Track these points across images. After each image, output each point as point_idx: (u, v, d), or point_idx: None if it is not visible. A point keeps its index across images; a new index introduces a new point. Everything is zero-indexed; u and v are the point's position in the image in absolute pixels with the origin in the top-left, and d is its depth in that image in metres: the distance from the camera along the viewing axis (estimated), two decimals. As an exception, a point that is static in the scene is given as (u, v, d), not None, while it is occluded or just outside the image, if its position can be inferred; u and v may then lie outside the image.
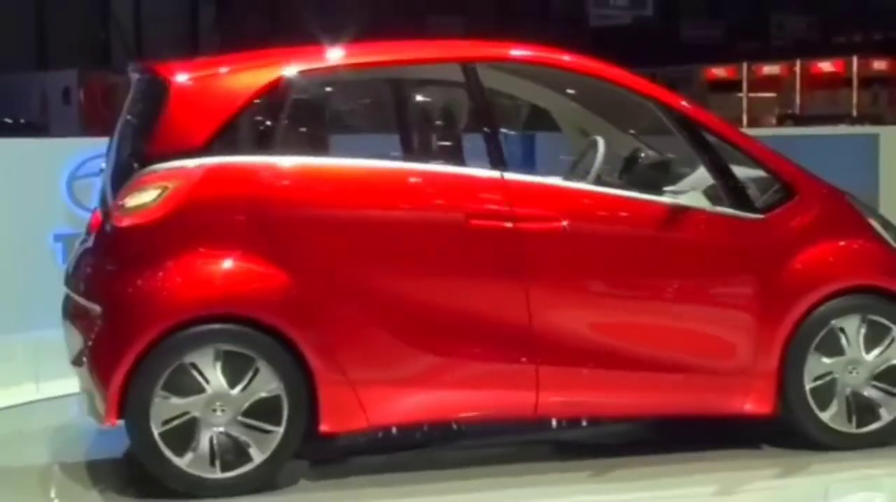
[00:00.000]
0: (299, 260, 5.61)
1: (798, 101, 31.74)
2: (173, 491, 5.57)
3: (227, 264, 5.57)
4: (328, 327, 5.60)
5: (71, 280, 6.06)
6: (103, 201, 5.96)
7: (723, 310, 6.03)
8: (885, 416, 6.17)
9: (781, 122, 28.30)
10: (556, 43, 6.52)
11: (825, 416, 6.11)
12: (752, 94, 32.40)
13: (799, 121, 26.98)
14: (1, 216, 9.77)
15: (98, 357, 5.57)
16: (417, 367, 5.72)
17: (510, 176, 5.88)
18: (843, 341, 6.12)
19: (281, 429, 5.57)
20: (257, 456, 5.55)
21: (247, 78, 5.84)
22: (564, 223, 5.82)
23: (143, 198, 5.59)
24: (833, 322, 6.10)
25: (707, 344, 6.03)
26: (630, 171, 6.13)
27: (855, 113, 28.84)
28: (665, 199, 6.01)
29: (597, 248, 5.91)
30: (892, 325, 6.16)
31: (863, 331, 6.13)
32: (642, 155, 6.17)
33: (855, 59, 31.03)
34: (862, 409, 6.14)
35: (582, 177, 6.18)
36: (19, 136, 17.52)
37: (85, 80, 28.17)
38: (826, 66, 31.92)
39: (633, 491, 5.81)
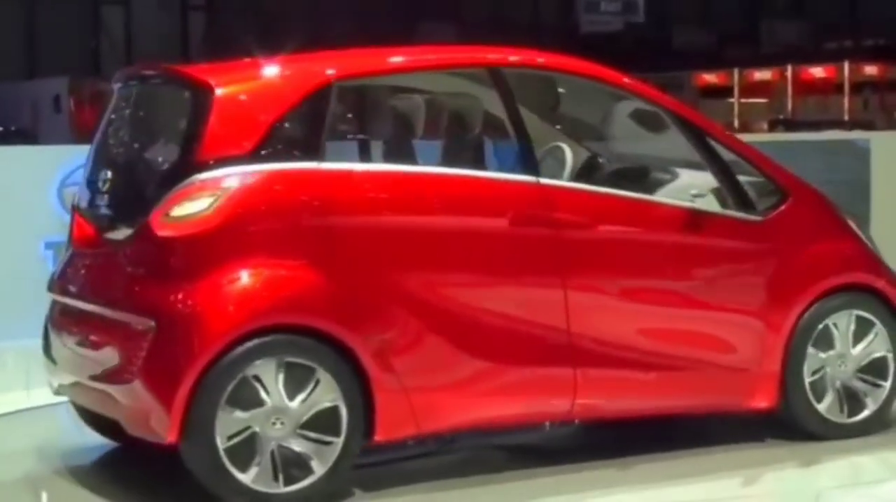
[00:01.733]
0: (353, 266, 5.53)
1: (790, 106, 31.80)
2: (176, 493, 5.58)
3: (286, 273, 5.43)
4: (383, 334, 5.53)
5: (81, 290, 5.91)
6: (98, 207, 5.94)
7: (735, 310, 6.25)
8: (871, 406, 6.50)
9: (773, 127, 28.34)
10: (547, 49, 6.52)
11: (822, 408, 6.39)
12: (743, 100, 32.46)
13: (790, 126, 27.00)
14: (-9, 224, 9.73)
15: (156, 373, 5.32)
16: (466, 372, 5.72)
17: (545, 181, 5.95)
18: (836, 336, 6.41)
19: (340, 440, 5.46)
20: (318, 468, 5.43)
21: (291, 83, 5.72)
22: (599, 228, 5.97)
23: (195, 206, 5.41)
24: (828, 319, 6.39)
25: (721, 343, 6.24)
26: (639, 178, 6.38)
27: (847, 118, 28.89)
28: (685, 204, 6.19)
29: (627, 252, 6.07)
30: (875, 320, 6.48)
31: (851, 326, 6.45)
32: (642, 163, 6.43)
33: (846, 65, 31.10)
34: (850, 400, 6.45)
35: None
36: (10, 144, 17.55)
37: (75, 88, 28.17)
38: (817, 71, 32.00)
39: (663, 487, 5.86)
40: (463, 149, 6.11)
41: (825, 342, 6.39)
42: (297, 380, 5.38)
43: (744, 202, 6.30)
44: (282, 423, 5.36)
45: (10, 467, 6.40)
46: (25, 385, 8.47)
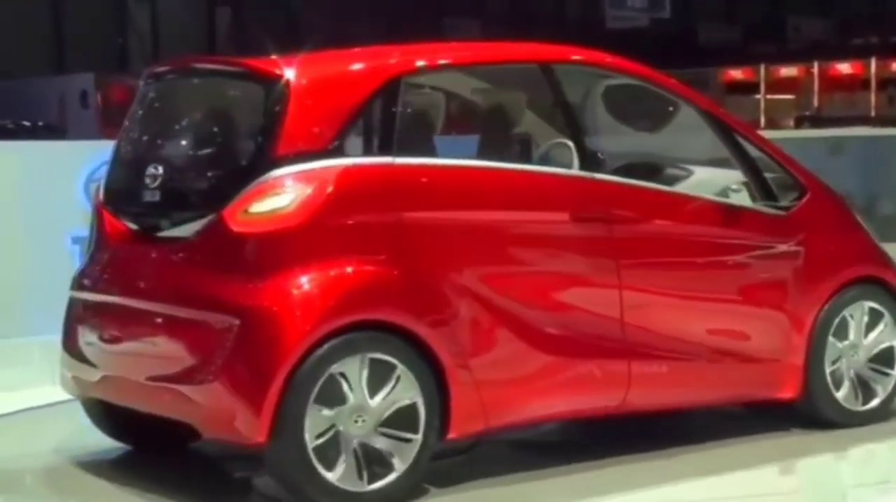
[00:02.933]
0: (427, 261, 5.51)
1: (816, 102, 31.68)
2: (194, 491, 5.56)
3: (368, 268, 5.37)
4: (457, 330, 5.51)
5: (129, 287, 5.73)
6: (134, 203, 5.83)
7: (767, 304, 6.42)
8: (881, 394, 6.70)
9: (799, 124, 28.24)
10: (572, 45, 6.53)
11: (840, 397, 6.58)
12: (769, 96, 32.36)
13: (817, 122, 26.89)
14: (19, 218, 9.79)
15: (242, 372, 5.21)
16: (532, 367, 5.74)
17: (599, 176, 6.01)
18: (851, 327, 6.62)
19: (419, 437, 5.42)
20: (399, 465, 5.39)
21: (363, 76, 5.66)
22: (647, 223, 6.08)
23: (277, 202, 5.31)
24: (845, 310, 6.59)
25: (757, 335, 6.39)
26: (668, 174, 6.48)
27: (874, 114, 28.77)
28: (724, 200, 6.33)
29: (672, 247, 6.18)
30: (885, 311, 6.71)
31: (865, 318, 6.66)
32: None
33: (873, 61, 30.96)
34: (863, 389, 6.66)
35: None
36: (38, 139, 17.63)
37: (102, 84, 28.28)
38: (844, 67, 31.87)
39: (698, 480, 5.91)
40: (516, 144, 6.17)
41: (842, 333, 6.59)
42: (378, 377, 5.34)
43: (770, 197, 6.45)
44: (363, 421, 5.31)
45: (38, 461, 6.43)
46: (52, 380, 8.51)
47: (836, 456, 6.43)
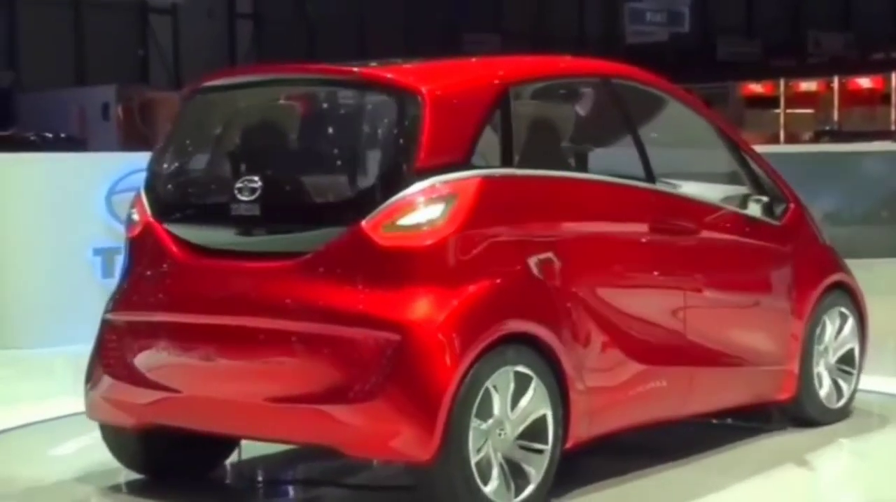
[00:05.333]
0: (551, 272, 5.50)
1: (836, 117, 31.63)
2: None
3: (511, 281, 5.34)
4: (574, 339, 5.53)
5: (231, 305, 5.37)
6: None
7: (776, 310, 6.70)
8: (847, 392, 7.08)
9: (819, 138, 28.20)
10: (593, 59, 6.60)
11: (822, 396, 6.92)
12: (789, 111, 32.32)
13: (836, 137, 26.86)
14: (41, 230, 9.85)
15: (408, 390, 5.05)
16: (627, 375, 5.83)
17: (661, 187, 6.20)
18: (828, 332, 6.97)
19: (548, 448, 5.39)
20: (535, 477, 5.35)
21: (483, 87, 5.59)
22: (699, 234, 6.31)
23: (426, 215, 5.18)
24: (825, 316, 6.93)
25: (768, 339, 6.65)
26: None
27: (894, 128, 28.71)
28: (744, 212, 6.60)
29: (716, 255, 6.43)
30: (850, 315, 7.08)
31: (837, 321, 7.04)
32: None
33: (894, 76, 30.90)
34: (835, 388, 7.01)
35: None
36: (59, 151, 17.72)
37: (123, 96, 28.39)
38: (864, 82, 31.82)
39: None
40: (574, 156, 6.19)
41: (822, 336, 6.93)
42: (517, 390, 5.31)
43: (769, 210, 6.72)
44: (504, 434, 5.27)
45: (60, 472, 6.44)
46: (75, 390, 8.55)
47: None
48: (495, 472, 5.23)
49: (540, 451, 5.37)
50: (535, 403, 5.35)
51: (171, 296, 5.59)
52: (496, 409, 5.23)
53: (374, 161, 5.40)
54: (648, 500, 5.81)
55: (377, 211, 5.18)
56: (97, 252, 9.96)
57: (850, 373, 7.10)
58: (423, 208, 5.19)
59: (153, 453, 5.89)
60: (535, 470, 5.36)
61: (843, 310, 7.07)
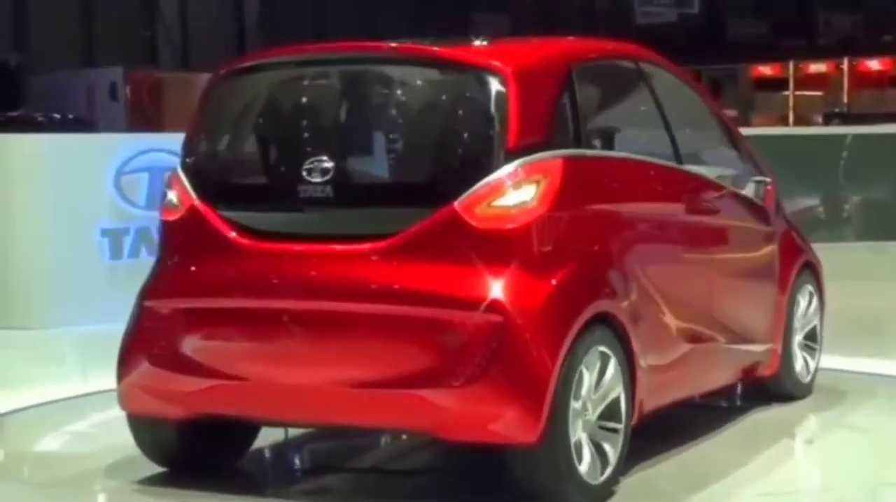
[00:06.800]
0: (623, 253, 5.57)
1: (845, 99, 31.53)
2: (222, 483, 5.56)
3: (597, 261, 5.38)
4: (639, 319, 5.55)
5: (307, 288, 5.20)
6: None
7: (770, 287, 6.89)
8: (812, 367, 7.30)
9: (828, 120, 28.12)
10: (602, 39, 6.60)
11: (798, 371, 7.14)
12: (798, 93, 32.21)
13: (846, 119, 26.78)
14: (49, 211, 9.86)
15: (514, 372, 4.98)
16: (676, 353, 5.92)
17: (688, 168, 6.30)
18: (800, 309, 7.17)
19: (622, 427, 5.40)
20: (612, 456, 5.35)
21: (557, 67, 5.55)
22: (718, 213, 6.46)
23: (521, 196, 5.13)
24: (798, 295, 7.13)
25: (764, 317, 6.80)
26: None
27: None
28: (743, 192, 6.74)
29: (730, 236, 6.59)
30: (815, 293, 7.32)
31: (807, 299, 7.25)
32: None
33: (904, 58, 30.79)
34: (804, 363, 7.24)
35: None
36: (67, 132, 17.72)
37: (131, 77, 28.36)
38: (874, 64, 31.71)
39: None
40: (649, 138, 6.27)
41: (796, 314, 7.13)
42: (599, 370, 5.32)
43: (756, 190, 6.87)
44: (588, 414, 5.25)
45: (69, 453, 6.46)
46: (83, 371, 8.60)
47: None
48: (586, 452, 5.23)
49: (615, 430, 5.37)
50: (613, 382, 5.35)
51: (231, 281, 5.36)
52: (584, 389, 5.22)
53: (459, 142, 5.33)
54: (679, 480, 5.79)
55: (470, 192, 5.10)
56: (105, 233, 9.97)
57: (814, 349, 7.31)
58: (517, 189, 5.13)
59: (184, 445, 5.69)
60: (613, 450, 5.36)
61: (811, 288, 7.28)
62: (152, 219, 10.13)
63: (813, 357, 7.31)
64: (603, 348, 5.30)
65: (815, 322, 7.35)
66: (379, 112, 5.62)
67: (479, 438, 5.11)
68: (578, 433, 5.18)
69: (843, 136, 16.34)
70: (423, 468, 6.14)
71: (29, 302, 9.82)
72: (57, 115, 22.89)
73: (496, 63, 5.31)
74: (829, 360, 7.61)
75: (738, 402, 7.15)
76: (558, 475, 5.11)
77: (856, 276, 12.07)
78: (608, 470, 5.32)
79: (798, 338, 7.17)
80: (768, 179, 6.94)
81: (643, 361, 5.53)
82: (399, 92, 5.62)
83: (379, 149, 5.53)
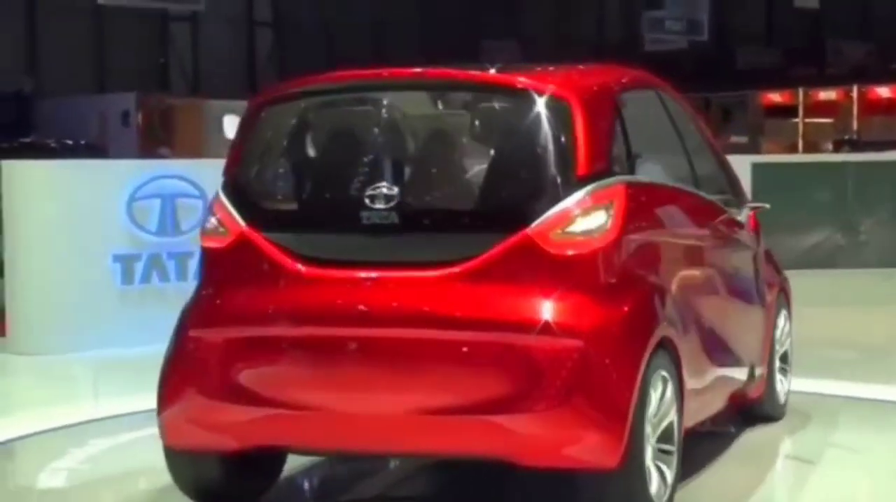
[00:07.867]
0: (674, 279, 5.65)
1: (855, 126, 31.57)
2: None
3: (659, 286, 5.45)
4: (687, 345, 5.59)
5: (375, 315, 5.10)
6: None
7: (760, 311, 6.97)
8: (786, 387, 7.41)
9: (838, 147, 28.14)
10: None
11: (780, 393, 7.29)
12: (808, 120, 32.26)
13: (856, 146, 26.81)
14: (61, 236, 9.89)
15: (595, 397, 4.95)
16: (707, 377, 5.99)
17: (705, 194, 6.43)
18: (779, 331, 7.29)
19: (675, 448, 5.41)
20: (669, 478, 5.37)
21: (610, 95, 5.62)
22: (721, 236, 6.56)
23: (594, 222, 5.15)
24: (777, 317, 7.25)
25: (756, 340, 6.87)
26: None
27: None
28: (737, 217, 6.81)
29: (734, 260, 6.68)
30: (787, 316, 7.45)
31: (783, 322, 7.38)
32: None
33: (913, 85, 30.82)
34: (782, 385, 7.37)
35: None
36: (80, 158, 17.80)
37: (143, 103, 28.52)
38: (884, 91, 31.76)
39: None
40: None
41: (776, 337, 7.21)
42: (659, 393, 5.33)
43: (739, 208, 6.94)
44: (652, 437, 5.24)
45: (78, 477, 6.46)
46: (94, 396, 8.61)
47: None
48: (654, 475, 5.25)
49: (670, 452, 5.38)
50: (669, 405, 5.37)
51: (292, 308, 5.24)
52: (650, 413, 5.20)
53: (529, 168, 5.28)
54: (717, 497, 5.89)
55: (544, 218, 5.08)
56: (117, 258, 10.00)
57: (787, 371, 7.44)
58: (588, 215, 5.14)
59: (224, 479, 5.55)
60: (669, 471, 5.36)
61: (785, 311, 7.43)
62: (163, 244, 10.27)
63: (786, 378, 7.42)
64: (664, 372, 5.33)
65: (787, 345, 7.47)
66: (441, 138, 5.62)
67: (556, 464, 5.03)
68: (649, 456, 5.18)
69: (852, 163, 16.38)
70: (425, 495, 6.15)
71: (40, 327, 9.84)
72: (69, 141, 23.01)
73: (562, 90, 5.32)
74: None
75: (732, 427, 7.04)
76: (632, 498, 5.11)
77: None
78: (668, 491, 5.36)
79: (777, 360, 7.25)
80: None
81: (689, 385, 5.60)
82: (461, 118, 5.62)
83: (443, 175, 5.52)
